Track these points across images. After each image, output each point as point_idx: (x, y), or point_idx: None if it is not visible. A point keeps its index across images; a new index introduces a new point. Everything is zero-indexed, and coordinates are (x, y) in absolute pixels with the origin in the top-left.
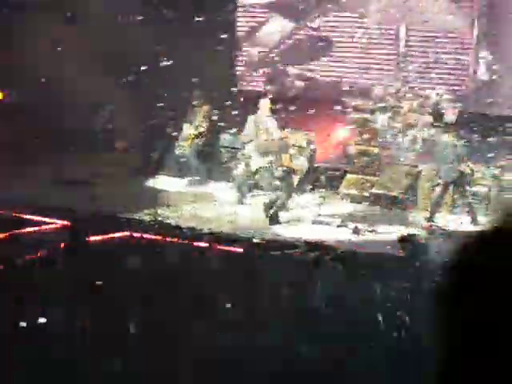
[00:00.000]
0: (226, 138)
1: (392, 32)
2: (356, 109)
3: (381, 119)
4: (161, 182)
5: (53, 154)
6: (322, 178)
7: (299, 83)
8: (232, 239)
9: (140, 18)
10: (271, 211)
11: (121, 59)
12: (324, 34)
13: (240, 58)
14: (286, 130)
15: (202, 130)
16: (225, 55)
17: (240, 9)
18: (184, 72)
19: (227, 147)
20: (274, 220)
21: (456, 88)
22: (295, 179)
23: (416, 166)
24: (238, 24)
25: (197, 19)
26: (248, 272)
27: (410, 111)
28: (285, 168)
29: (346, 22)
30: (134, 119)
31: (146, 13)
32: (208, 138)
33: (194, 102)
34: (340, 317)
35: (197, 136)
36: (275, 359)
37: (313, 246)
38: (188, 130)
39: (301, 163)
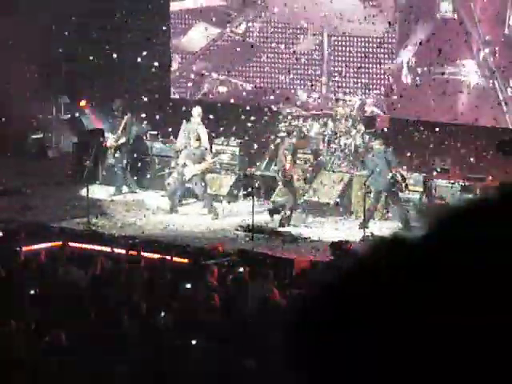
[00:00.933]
0: (159, 147)
1: (316, 39)
2: (288, 116)
3: (313, 126)
4: (94, 190)
5: None
6: (256, 185)
7: (225, 89)
8: (164, 247)
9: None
10: (278, 216)
11: (53, 66)
12: (249, 39)
13: (170, 66)
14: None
15: (123, 140)
16: (156, 63)
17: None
18: (115, 79)
19: (160, 155)
20: (283, 225)
21: (380, 93)
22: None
23: (348, 173)
24: (166, 31)
25: (129, 26)
26: (181, 280)
27: (341, 118)
28: (287, 173)
29: (271, 28)
30: (66, 128)
31: (78, 20)
32: (135, 147)
33: (115, 113)
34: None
35: (117, 147)
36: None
37: (245, 254)
38: (111, 140)
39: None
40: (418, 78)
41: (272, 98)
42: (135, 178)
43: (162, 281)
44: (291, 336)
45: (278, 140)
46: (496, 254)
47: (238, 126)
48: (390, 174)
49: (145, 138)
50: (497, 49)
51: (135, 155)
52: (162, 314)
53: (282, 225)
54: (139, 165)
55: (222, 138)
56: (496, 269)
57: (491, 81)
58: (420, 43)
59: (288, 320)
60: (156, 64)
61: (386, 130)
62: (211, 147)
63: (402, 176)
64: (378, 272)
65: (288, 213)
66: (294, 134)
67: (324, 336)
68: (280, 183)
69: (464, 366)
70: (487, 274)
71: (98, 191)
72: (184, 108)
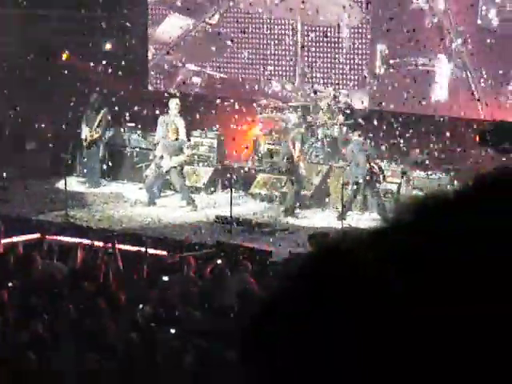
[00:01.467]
0: (136, 139)
1: (291, 29)
2: (265, 107)
3: (291, 118)
4: (71, 183)
5: None
6: (234, 177)
7: (200, 80)
8: (142, 240)
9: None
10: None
11: (27, 58)
12: (223, 30)
13: (147, 57)
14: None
15: (98, 134)
16: (134, 55)
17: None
18: (92, 72)
19: (138, 148)
20: (289, 212)
21: (354, 84)
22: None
23: (326, 165)
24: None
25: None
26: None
27: (318, 110)
28: (295, 161)
29: (245, 19)
30: (44, 120)
31: (51, 12)
32: (112, 140)
33: (93, 106)
34: None
35: (93, 141)
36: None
37: (223, 246)
38: (85, 133)
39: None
40: (391, 69)
41: (246, 89)
42: (109, 170)
43: (140, 273)
44: (259, 331)
45: (258, 132)
46: (475, 245)
47: (214, 117)
48: (368, 166)
49: (122, 130)
50: (469, 39)
51: (112, 148)
52: (141, 306)
53: (286, 214)
54: (117, 157)
55: (199, 130)
56: (476, 260)
57: (464, 71)
58: (393, 34)
59: (257, 312)
60: (133, 56)
61: (362, 121)
62: (189, 139)
63: (380, 167)
64: (357, 264)
65: (290, 203)
66: (302, 123)
67: (296, 328)
68: (284, 171)
69: (456, 363)
70: (468, 265)
71: (76, 184)
72: (163, 100)
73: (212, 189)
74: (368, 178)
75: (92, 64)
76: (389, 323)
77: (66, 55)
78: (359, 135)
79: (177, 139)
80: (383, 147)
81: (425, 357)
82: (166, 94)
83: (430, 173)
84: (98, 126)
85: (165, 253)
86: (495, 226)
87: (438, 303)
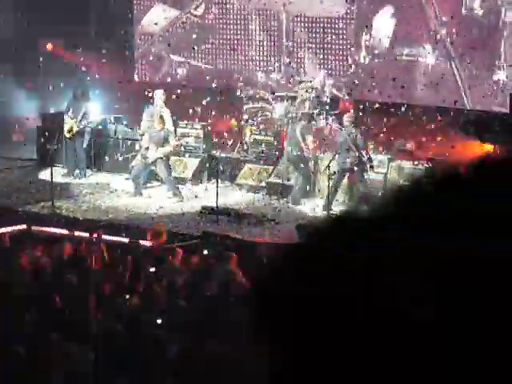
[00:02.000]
0: (123, 130)
1: (276, 19)
2: (251, 98)
3: (277, 108)
4: (58, 174)
5: None
6: (220, 168)
7: (185, 72)
8: (128, 231)
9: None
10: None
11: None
12: (208, 21)
13: (133, 48)
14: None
15: (82, 126)
16: (120, 45)
17: None
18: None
19: (125, 138)
20: (297, 202)
21: (339, 74)
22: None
23: (313, 155)
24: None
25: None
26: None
27: (304, 100)
28: (305, 153)
29: (230, 10)
30: (30, 111)
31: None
32: (99, 131)
33: (78, 97)
34: None
35: (77, 133)
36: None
37: (211, 236)
38: (70, 124)
39: None
40: (376, 59)
41: (232, 79)
42: (96, 161)
43: (126, 264)
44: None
45: (242, 122)
46: (460, 233)
47: (200, 108)
48: (357, 154)
49: (108, 121)
50: (454, 30)
51: (98, 139)
52: (127, 297)
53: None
54: (103, 148)
55: (186, 121)
56: (462, 247)
57: (449, 62)
58: (379, 24)
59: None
60: (119, 47)
61: (349, 112)
62: (175, 130)
63: (369, 157)
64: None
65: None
66: (304, 116)
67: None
68: (292, 165)
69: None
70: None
71: (62, 175)
72: (148, 91)
73: (200, 174)
74: (356, 166)
75: (78, 54)
76: (376, 316)
77: (50, 46)
78: (351, 120)
79: (162, 129)
80: (369, 137)
81: (410, 351)
82: (151, 85)
83: (416, 162)
84: (83, 117)
85: (150, 243)
86: (480, 212)
87: (425, 294)
